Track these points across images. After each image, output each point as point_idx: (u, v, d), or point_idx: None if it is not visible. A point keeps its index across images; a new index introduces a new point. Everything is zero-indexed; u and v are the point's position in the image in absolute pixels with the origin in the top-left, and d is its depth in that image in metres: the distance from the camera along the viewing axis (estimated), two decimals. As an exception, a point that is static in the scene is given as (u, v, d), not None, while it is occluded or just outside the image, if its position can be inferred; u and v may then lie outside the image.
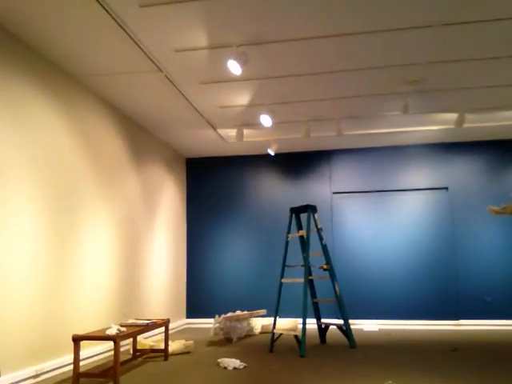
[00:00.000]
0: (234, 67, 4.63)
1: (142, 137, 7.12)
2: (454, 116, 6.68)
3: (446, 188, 8.19)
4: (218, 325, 6.49)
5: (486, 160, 8.14)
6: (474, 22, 4.24)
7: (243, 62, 4.61)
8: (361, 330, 7.28)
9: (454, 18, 4.18)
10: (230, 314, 6.81)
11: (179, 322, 8.18)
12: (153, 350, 5.53)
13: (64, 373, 4.62)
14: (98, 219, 5.66)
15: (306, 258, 5.96)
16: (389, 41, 4.61)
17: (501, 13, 4.11)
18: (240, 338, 6.71)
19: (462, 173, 8.19)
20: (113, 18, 4.04)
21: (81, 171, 5.33)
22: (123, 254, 6.29)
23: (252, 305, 8.17)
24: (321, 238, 6.17)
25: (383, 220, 8.21)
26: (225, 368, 4.82)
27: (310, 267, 6.10)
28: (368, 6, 3.97)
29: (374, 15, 4.13)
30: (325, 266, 6.10)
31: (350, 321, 7.84)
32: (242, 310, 7.12)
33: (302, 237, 6.38)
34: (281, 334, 5.91)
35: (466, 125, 6.77)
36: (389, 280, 7.94)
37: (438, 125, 7.29)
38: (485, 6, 4.01)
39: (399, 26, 4.31)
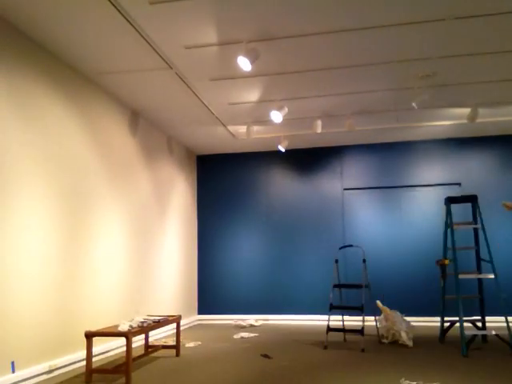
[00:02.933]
0: (244, 63, 4.61)
1: (153, 134, 7.14)
2: (466, 111, 6.59)
3: (459, 184, 8.10)
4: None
5: (499, 155, 8.02)
6: (487, 15, 4.17)
7: (253, 58, 4.58)
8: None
9: (466, 11, 4.12)
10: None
11: (191, 319, 8.21)
12: (164, 346, 5.57)
13: (77, 368, 4.66)
14: (110, 216, 5.70)
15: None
16: (400, 35, 4.55)
17: (515, 5, 4.04)
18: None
19: (475, 168, 8.09)
20: (123, 15, 4.04)
21: (92, 169, 5.37)
22: (135, 250, 6.33)
23: (263, 301, 8.20)
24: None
25: (395, 216, 8.15)
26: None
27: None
28: (379, 0, 3.93)
29: (385, 9, 4.08)
30: (446, 262, 5.86)
31: (355, 317, 7.83)
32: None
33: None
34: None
35: (478, 120, 6.67)
36: (400, 276, 7.88)
37: (450, 120, 7.20)
38: (498, -1, 3.94)
39: (411, 19, 4.25)
